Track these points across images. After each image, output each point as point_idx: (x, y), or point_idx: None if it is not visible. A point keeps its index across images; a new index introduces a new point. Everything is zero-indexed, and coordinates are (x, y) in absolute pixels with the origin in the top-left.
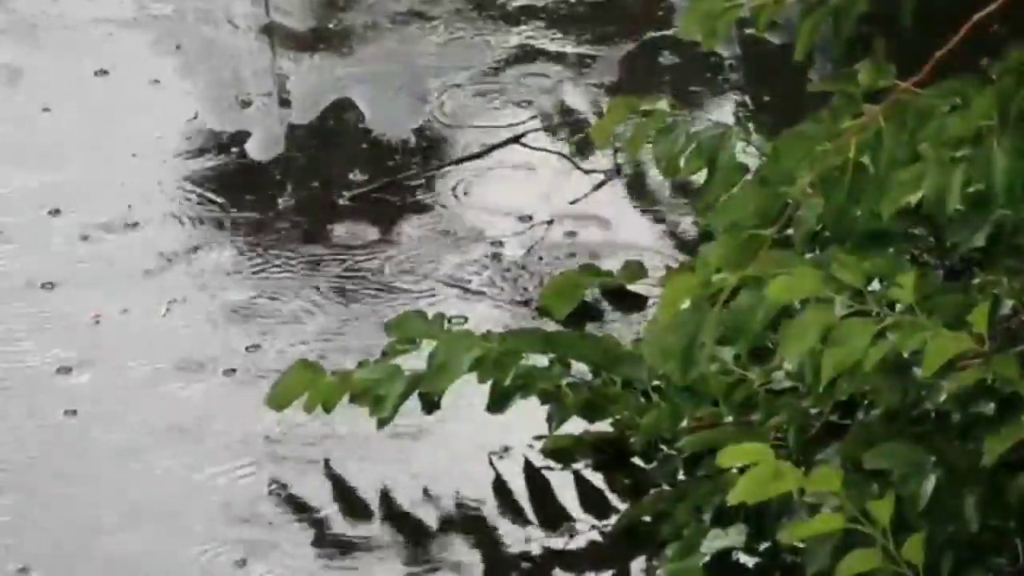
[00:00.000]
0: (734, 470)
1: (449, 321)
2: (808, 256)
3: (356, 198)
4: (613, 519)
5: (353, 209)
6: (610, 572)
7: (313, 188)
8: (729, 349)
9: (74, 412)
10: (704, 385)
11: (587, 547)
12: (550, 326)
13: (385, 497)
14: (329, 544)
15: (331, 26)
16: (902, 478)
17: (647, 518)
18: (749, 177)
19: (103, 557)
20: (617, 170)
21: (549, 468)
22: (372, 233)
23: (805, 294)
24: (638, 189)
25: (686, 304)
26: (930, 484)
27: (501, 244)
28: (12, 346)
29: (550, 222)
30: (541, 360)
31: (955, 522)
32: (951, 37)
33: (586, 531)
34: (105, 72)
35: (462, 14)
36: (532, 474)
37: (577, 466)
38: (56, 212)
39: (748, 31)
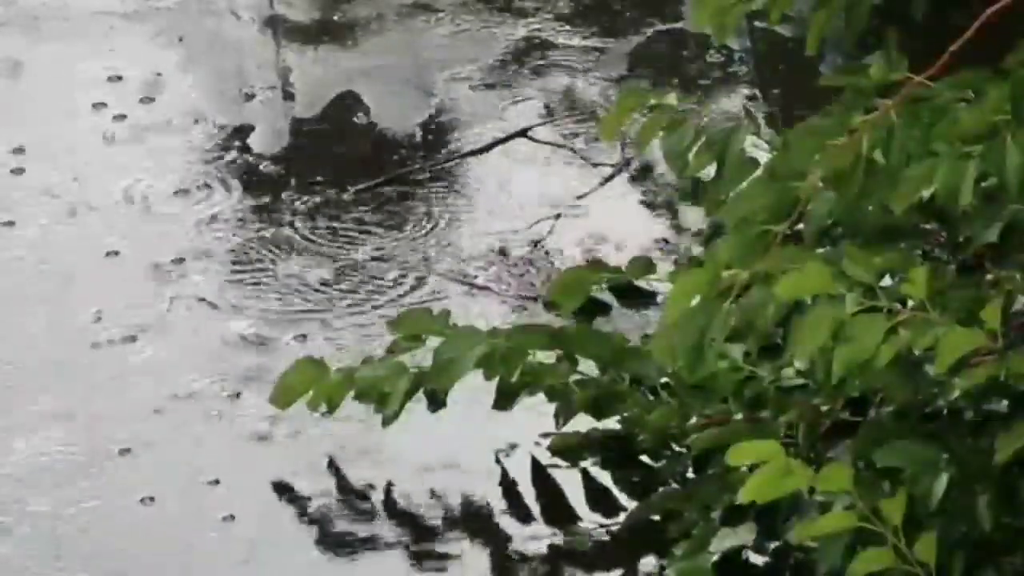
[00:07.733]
0: (744, 468)
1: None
2: (819, 252)
3: (361, 192)
4: (621, 517)
5: (358, 203)
6: (618, 571)
7: (317, 182)
8: (739, 346)
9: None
10: (713, 382)
11: (594, 546)
12: (557, 322)
13: (390, 494)
14: (333, 542)
15: (336, 18)
16: (914, 476)
17: (655, 517)
18: (759, 172)
19: None
20: (626, 164)
21: (556, 466)
22: (377, 228)
23: (816, 290)
24: (646, 183)
25: (695, 301)
26: (942, 482)
27: (508, 239)
28: None
29: (557, 217)
30: (548, 357)
31: (967, 521)
32: (964, 30)
33: (593, 530)
34: (106, 66)
35: (468, 6)
36: (539, 472)
37: (584, 464)
38: (56, 207)
39: (759, 24)
